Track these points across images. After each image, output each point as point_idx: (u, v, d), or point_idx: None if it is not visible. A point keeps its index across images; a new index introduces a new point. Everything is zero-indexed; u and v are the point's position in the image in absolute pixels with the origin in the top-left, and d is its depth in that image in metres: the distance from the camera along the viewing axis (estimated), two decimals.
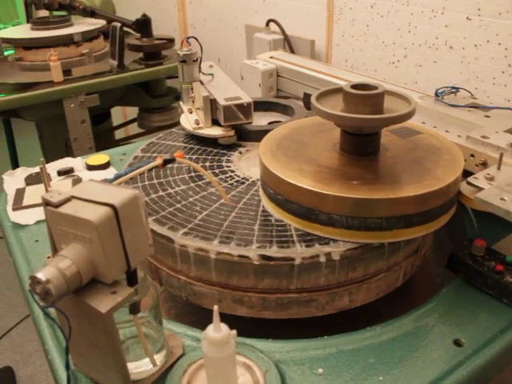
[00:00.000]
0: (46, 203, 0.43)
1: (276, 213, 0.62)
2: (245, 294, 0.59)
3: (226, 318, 0.45)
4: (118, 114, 2.47)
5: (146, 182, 0.72)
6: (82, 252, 0.42)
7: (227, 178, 0.74)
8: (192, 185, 0.71)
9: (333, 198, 0.56)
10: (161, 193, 0.69)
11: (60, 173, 0.91)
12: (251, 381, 0.48)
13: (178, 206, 0.66)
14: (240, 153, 0.81)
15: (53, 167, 0.93)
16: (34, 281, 0.40)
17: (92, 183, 0.46)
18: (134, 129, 2.04)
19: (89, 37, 1.63)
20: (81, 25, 1.68)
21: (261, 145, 0.67)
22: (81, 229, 0.41)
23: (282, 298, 0.59)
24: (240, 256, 0.57)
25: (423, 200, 0.56)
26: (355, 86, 0.60)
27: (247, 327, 0.52)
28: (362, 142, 0.63)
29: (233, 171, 0.76)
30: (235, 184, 0.72)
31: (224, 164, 0.77)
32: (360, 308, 0.62)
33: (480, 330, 0.55)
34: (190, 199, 0.67)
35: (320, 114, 0.60)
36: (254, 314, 0.60)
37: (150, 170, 0.56)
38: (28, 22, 1.94)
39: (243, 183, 0.72)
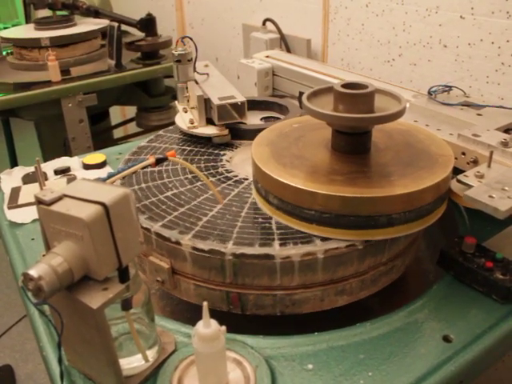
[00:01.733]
0: (39, 201, 0.44)
1: (318, 232, 0.59)
2: (347, 283, 0.60)
3: (216, 315, 0.46)
4: (117, 113, 2.47)
5: (184, 208, 0.66)
6: (74, 249, 0.42)
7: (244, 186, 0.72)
8: (230, 200, 0.68)
9: (393, 198, 0.56)
10: (211, 212, 0.65)
11: (57, 172, 0.92)
12: (242, 376, 0.49)
13: (239, 223, 0.62)
14: (232, 151, 0.82)
15: (50, 166, 0.94)
16: (27, 277, 0.40)
17: (84, 182, 0.46)
18: (132, 128, 2.05)
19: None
20: (84, 24, 1.68)
21: (256, 154, 0.64)
22: (72, 226, 0.42)
23: (375, 274, 0.62)
24: (347, 246, 0.58)
25: (449, 176, 0.60)
26: (346, 85, 0.61)
27: (238, 323, 0.53)
28: (360, 140, 0.64)
29: (228, 170, 0.76)
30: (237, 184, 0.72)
31: (219, 163, 0.78)
32: (352, 305, 0.62)
33: (469, 326, 0.56)
34: (242, 214, 0.64)
35: (311, 113, 0.60)
36: (352, 299, 0.62)
37: (144, 168, 0.57)
38: (27, 21, 1.95)
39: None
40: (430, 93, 0.86)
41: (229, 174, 0.75)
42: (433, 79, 1.04)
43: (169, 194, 0.70)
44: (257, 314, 0.61)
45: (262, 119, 0.92)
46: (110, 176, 0.55)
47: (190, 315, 0.71)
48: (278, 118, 0.92)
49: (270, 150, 0.66)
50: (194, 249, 0.59)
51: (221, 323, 0.45)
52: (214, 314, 0.45)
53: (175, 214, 0.65)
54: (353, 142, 0.63)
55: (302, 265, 0.57)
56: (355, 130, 0.63)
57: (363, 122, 0.59)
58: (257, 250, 0.58)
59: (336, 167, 0.61)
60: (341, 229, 0.58)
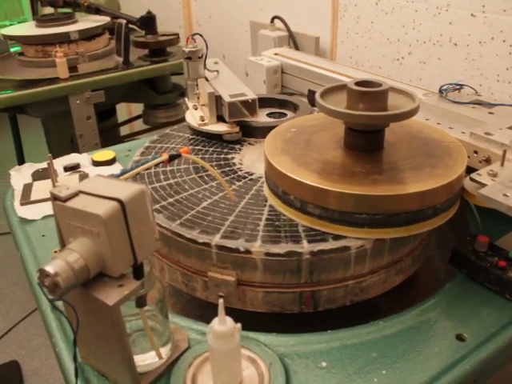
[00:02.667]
0: (55, 198, 0.44)
1: (369, 235, 0.58)
2: (403, 261, 0.63)
3: (230, 312, 0.45)
4: (123, 111, 2.47)
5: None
6: (90, 246, 0.42)
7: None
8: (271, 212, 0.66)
9: (440, 188, 0.57)
10: (263, 216, 0.64)
11: (66, 168, 0.92)
12: (256, 374, 0.49)
13: (284, 223, 0.63)
14: (243, 148, 0.82)
15: (59, 163, 0.94)
16: (43, 274, 0.40)
17: (99, 178, 0.46)
18: (139, 125, 2.05)
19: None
20: (85, 22, 1.68)
21: (281, 166, 0.62)
22: (89, 223, 0.42)
23: (421, 249, 0.66)
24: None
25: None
26: (359, 83, 0.60)
27: (252, 321, 0.53)
28: (378, 137, 0.64)
29: (240, 167, 0.76)
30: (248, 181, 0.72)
31: (230, 160, 0.78)
32: (364, 303, 0.62)
33: (482, 325, 0.56)
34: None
35: (325, 111, 0.60)
36: (405, 276, 0.65)
37: (157, 165, 0.57)
38: (34, 18, 1.96)
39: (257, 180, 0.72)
40: (440, 91, 0.85)
41: (253, 177, 0.74)
42: (442, 78, 1.04)
43: (205, 204, 0.67)
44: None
45: (267, 115, 0.91)
46: (124, 172, 0.55)
47: (201, 312, 0.71)
48: (283, 114, 0.92)
49: (291, 159, 0.63)
50: (268, 254, 0.57)
51: (234, 320, 0.45)
52: (227, 311, 0.45)
53: (227, 223, 0.62)
54: (372, 139, 0.64)
55: (373, 251, 0.59)
56: (372, 128, 0.63)
57: (375, 119, 0.59)
58: (333, 244, 0.58)
59: (368, 167, 0.61)
60: (393, 227, 0.58)
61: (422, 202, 0.57)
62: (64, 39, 1.56)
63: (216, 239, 0.59)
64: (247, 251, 0.58)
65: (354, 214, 0.57)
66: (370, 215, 0.57)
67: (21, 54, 1.66)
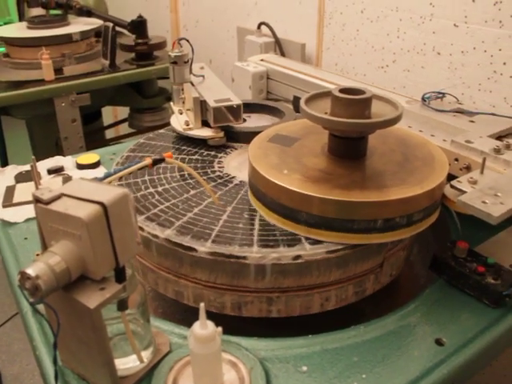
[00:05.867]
0: (37, 200, 0.44)
1: (341, 239, 0.59)
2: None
3: (211, 316, 0.46)
4: (109, 114, 2.46)
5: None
6: (72, 249, 0.42)
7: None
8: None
9: (420, 196, 0.59)
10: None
11: (50, 171, 0.91)
12: (236, 378, 0.49)
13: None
14: (227, 153, 0.82)
15: (43, 165, 0.93)
16: (24, 276, 0.40)
17: (82, 181, 0.46)
18: (124, 129, 2.04)
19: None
20: (78, 24, 1.68)
21: (252, 153, 0.66)
22: (70, 226, 0.42)
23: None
24: None
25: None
26: (343, 90, 0.61)
27: (233, 325, 0.53)
28: (362, 143, 0.65)
29: (224, 172, 0.76)
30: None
31: (215, 165, 0.78)
32: (345, 308, 0.63)
33: (461, 329, 0.57)
34: None
35: (309, 117, 0.61)
36: None
37: (141, 169, 0.57)
38: (20, 19, 1.94)
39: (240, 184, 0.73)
40: (423, 99, 0.87)
41: (237, 182, 0.74)
42: (426, 86, 1.06)
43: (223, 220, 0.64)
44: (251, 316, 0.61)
45: None
46: (107, 176, 0.55)
47: (182, 317, 0.71)
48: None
49: (275, 165, 0.63)
50: None
51: (215, 324, 0.45)
52: (207, 315, 0.45)
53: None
54: (356, 145, 0.65)
55: None
56: (356, 135, 0.63)
57: (358, 127, 0.60)
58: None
59: (351, 173, 0.62)
60: (374, 233, 0.59)
61: (404, 209, 0.58)
62: (60, 41, 1.55)
63: None
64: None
65: (335, 220, 0.58)
66: (352, 221, 0.57)
67: (6, 55, 1.64)
